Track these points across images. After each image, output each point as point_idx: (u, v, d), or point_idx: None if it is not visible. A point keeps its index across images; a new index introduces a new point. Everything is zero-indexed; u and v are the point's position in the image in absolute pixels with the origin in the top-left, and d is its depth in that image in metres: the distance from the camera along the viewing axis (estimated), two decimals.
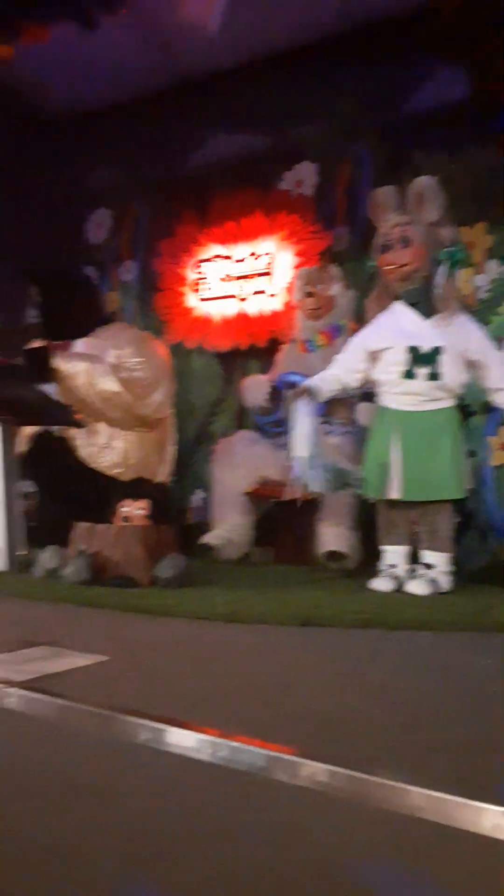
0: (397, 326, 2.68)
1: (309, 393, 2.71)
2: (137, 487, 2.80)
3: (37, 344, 3.25)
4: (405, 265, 2.66)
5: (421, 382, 2.62)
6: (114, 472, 3.22)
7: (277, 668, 1.52)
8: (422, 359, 2.61)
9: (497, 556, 3.26)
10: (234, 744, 1.02)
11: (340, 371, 2.80)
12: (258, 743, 1.02)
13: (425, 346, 2.60)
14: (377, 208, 2.77)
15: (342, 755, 0.99)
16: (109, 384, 3.15)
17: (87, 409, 3.18)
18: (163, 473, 3.44)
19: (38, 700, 1.18)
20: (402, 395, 2.66)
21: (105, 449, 3.22)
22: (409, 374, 2.63)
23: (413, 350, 2.62)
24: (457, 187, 3.25)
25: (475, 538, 3.38)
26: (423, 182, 2.66)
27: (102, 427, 3.23)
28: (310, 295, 3.51)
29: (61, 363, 3.06)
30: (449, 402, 2.66)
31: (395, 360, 2.64)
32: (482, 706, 1.27)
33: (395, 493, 2.62)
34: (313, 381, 2.78)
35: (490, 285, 3.48)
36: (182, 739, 1.06)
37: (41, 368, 3.06)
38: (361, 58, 4.00)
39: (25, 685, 1.23)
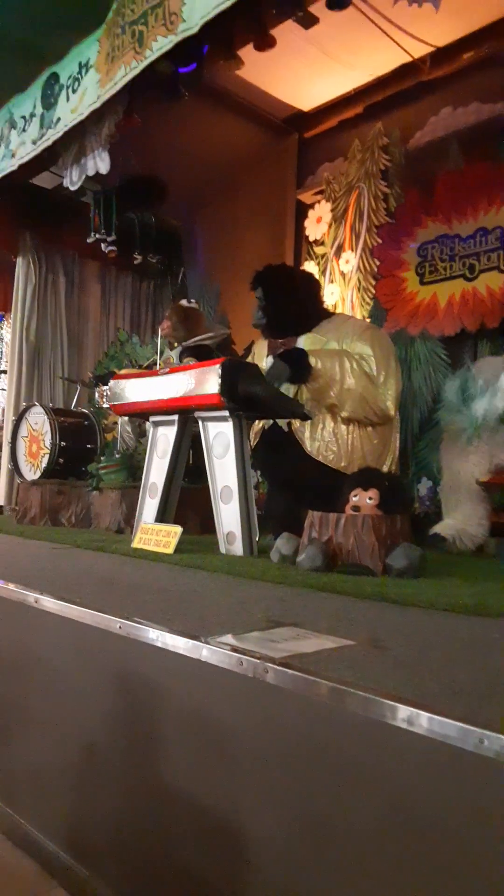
0: None
1: None
2: (366, 476, 2.77)
3: (290, 345, 3.35)
4: None
5: None
6: (340, 465, 3.24)
7: None
8: None
9: None
10: (497, 735, 0.96)
11: None
12: None
13: None
14: None
15: None
16: (360, 380, 3.16)
17: (328, 404, 3.21)
18: (390, 462, 3.38)
19: (295, 677, 1.22)
20: None
21: (330, 442, 3.24)
22: None
23: None
24: None
25: None
26: None
27: (328, 420, 3.26)
28: None
29: (315, 362, 3.12)
30: None
31: None
32: None
33: None
34: None
35: None
36: (442, 727, 1.02)
37: (300, 369, 3.14)
38: None
39: (281, 662, 1.27)
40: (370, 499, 2.63)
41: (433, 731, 1.04)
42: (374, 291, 4.58)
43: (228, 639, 1.47)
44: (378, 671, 1.27)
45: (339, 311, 4.89)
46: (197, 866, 1.35)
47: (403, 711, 1.08)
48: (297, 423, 3.31)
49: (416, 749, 1.05)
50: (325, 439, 3.27)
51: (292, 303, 3.44)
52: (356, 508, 2.63)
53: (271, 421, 3.38)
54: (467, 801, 0.99)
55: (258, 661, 1.29)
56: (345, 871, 1.11)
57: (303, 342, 3.34)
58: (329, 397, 3.17)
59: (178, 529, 3.01)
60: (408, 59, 4.52)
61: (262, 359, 3.49)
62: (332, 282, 4.96)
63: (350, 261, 4.86)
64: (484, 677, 1.28)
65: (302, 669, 1.24)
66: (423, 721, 1.05)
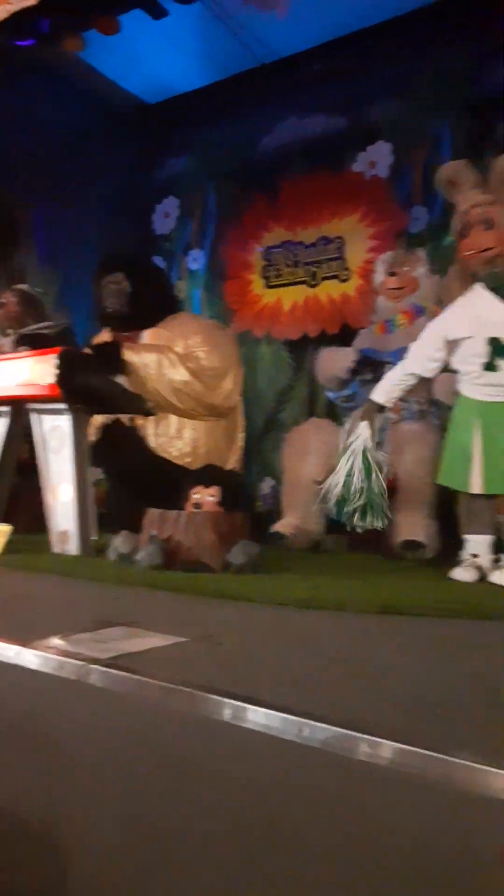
0: (477, 314, 2.54)
1: (374, 409, 2.62)
2: (208, 474, 2.77)
3: (105, 338, 3.25)
4: (487, 249, 2.51)
5: (500, 374, 2.48)
6: (184, 461, 3.21)
7: (362, 654, 1.44)
8: (502, 350, 2.47)
9: None
10: (319, 724, 0.96)
11: (415, 363, 2.68)
12: (343, 724, 0.96)
13: None
14: (449, 185, 2.63)
15: (435, 738, 0.92)
16: (179, 374, 3.12)
17: (157, 400, 3.17)
18: (233, 461, 3.40)
19: (120, 677, 1.15)
20: (484, 386, 2.53)
21: (174, 438, 3.20)
22: (490, 367, 2.50)
23: (494, 341, 2.48)
24: None
25: None
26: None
27: (172, 417, 3.22)
28: (392, 274, 3.38)
29: (132, 356, 3.05)
30: None
31: (475, 352, 2.51)
32: None
33: (476, 488, 2.52)
34: (378, 394, 2.66)
35: None
36: (264, 718, 1.01)
37: (111, 362, 3.05)
38: (439, 32, 3.85)
39: (107, 663, 1.20)
40: (211, 496, 2.61)
41: (258, 723, 1.02)
42: (221, 291, 4.61)
43: (53, 641, 1.38)
44: (208, 667, 1.24)
45: (186, 309, 4.87)
46: (20, 882, 1.24)
47: (229, 706, 1.05)
48: (139, 419, 3.23)
49: (244, 742, 1.03)
50: (168, 435, 3.23)
51: (152, 293, 3.36)
52: (197, 506, 2.60)
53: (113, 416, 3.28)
54: (295, 790, 0.98)
55: (82, 663, 1.21)
56: (180, 872, 1.06)
57: (147, 337, 3.27)
58: (148, 391, 3.12)
59: (7, 529, 2.81)
60: (256, 62, 4.59)
61: None
62: (180, 279, 4.93)
63: (198, 259, 4.85)
64: (311, 669, 1.29)
65: (128, 669, 1.18)
66: (248, 714, 1.03)
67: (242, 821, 0.99)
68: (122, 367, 3.08)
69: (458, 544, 2.63)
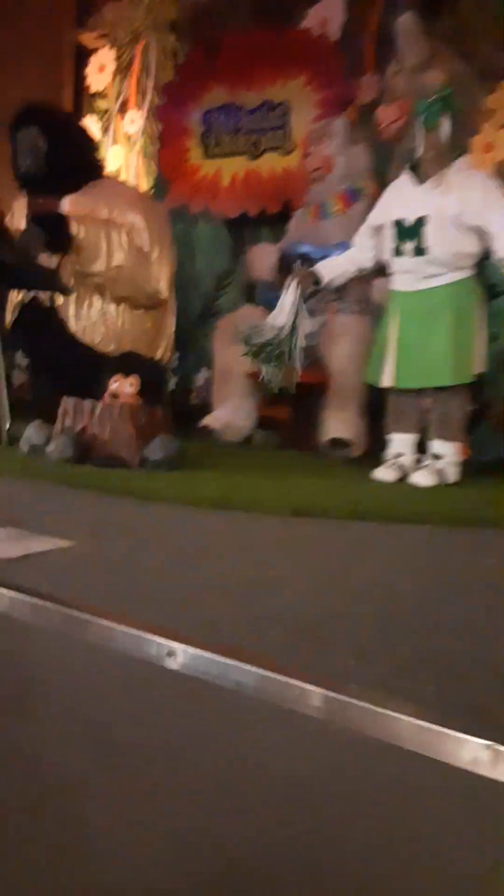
0: (394, 196, 2.43)
1: (312, 279, 2.52)
2: (130, 363, 2.60)
3: (46, 207, 2.89)
4: (392, 121, 2.31)
5: (408, 259, 2.37)
6: (108, 348, 3.01)
7: (257, 563, 1.39)
8: (406, 232, 2.35)
9: None
10: (190, 649, 0.90)
11: (355, 251, 2.60)
12: (219, 649, 0.90)
13: (410, 218, 2.33)
14: (406, 39, 2.37)
15: (310, 666, 0.87)
16: (121, 255, 2.86)
17: (93, 281, 2.90)
18: (161, 350, 3.23)
19: None
20: (399, 274, 2.45)
21: (97, 323, 2.99)
22: (397, 251, 2.39)
23: (398, 224, 2.36)
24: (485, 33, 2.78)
25: (489, 429, 3.20)
26: (402, 20, 2.22)
27: (96, 299, 2.99)
28: (306, 155, 3.13)
29: (79, 230, 2.75)
30: (452, 277, 2.38)
31: (388, 237, 2.41)
32: (476, 613, 1.15)
33: (387, 381, 2.46)
34: (321, 267, 2.58)
35: None
36: (133, 641, 0.94)
37: (59, 237, 2.76)
38: None
39: None
40: (130, 385, 2.48)
41: (120, 643, 0.96)
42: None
43: None
44: (80, 577, 1.17)
45: (122, 177, 4.47)
46: None
47: (95, 624, 0.98)
48: (60, 299, 2.99)
49: (106, 662, 0.97)
50: (91, 319, 3.01)
51: (70, 152, 3.01)
52: (114, 396, 2.46)
53: (31, 294, 3.03)
54: (148, 713, 0.93)
55: None
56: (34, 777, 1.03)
57: (67, 204, 2.95)
58: (93, 272, 2.88)
59: None
60: None
61: (22, 220, 3.05)
62: (115, 143, 4.49)
63: (136, 121, 4.39)
64: (197, 580, 1.23)
65: None
66: (114, 634, 0.97)
67: (99, 740, 0.95)
68: (68, 243, 2.79)
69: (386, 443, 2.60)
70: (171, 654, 0.91)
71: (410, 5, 2.89)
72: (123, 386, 2.47)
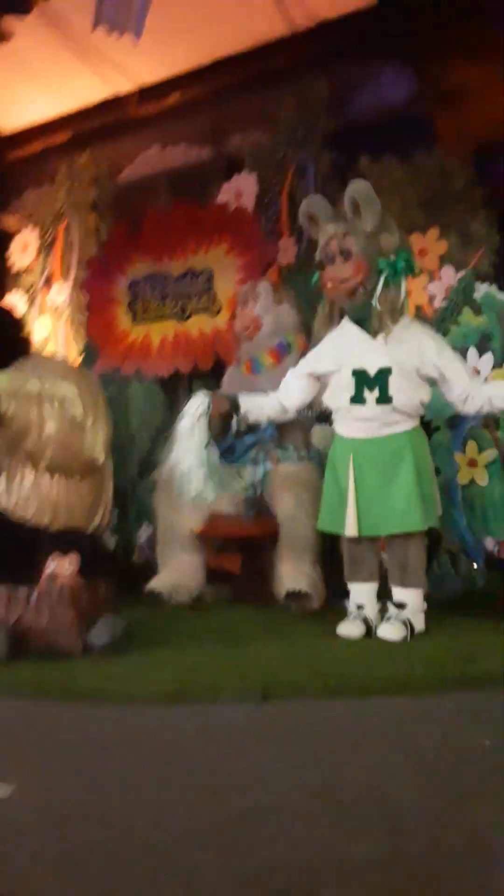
0: (342, 347, 2.45)
1: (227, 403, 2.56)
2: (67, 539, 2.44)
3: None
4: (346, 280, 2.40)
5: (371, 407, 2.38)
6: (43, 520, 2.83)
7: (228, 790, 1.18)
8: (369, 382, 2.38)
9: (469, 581, 3.02)
10: None
11: (282, 393, 2.63)
12: None
13: (372, 368, 2.37)
14: (309, 220, 2.51)
15: None
16: (52, 425, 2.78)
17: (25, 453, 2.79)
18: (99, 516, 3.07)
19: None
20: (354, 421, 2.43)
21: (30, 498, 2.83)
22: (357, 399, 2.40)
23: (359, 373, 2.39)
24: (406, 192, 3.03)
25: (445, 563, 3.13)
26: (357, 187, 2.38)
27: (27, 473, 2.85)
28: (233, 317, 3.24)
29: (9, 405, 2.68)
30: (408, 425, 2.41)
31: (342, 385, 2.42)
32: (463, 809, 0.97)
33: (350, 530, 2.37)
34: (242, 397, 2.61)
35: (446, 293, 3.24)
36: None
37: None
38: (302, 63, 3.82)
39: None
40: (70, 564, 2.30)
41: None
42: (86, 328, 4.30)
43: None
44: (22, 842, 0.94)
45: (51, 346, 4.51)
46: None
47: None
48: None
49: None
50: (22, 493, 2.85)
51: None
52: (52, 578, 2.27)
53: None
54: None
55: None
56: None
57: None
58: (25, 446, 2.77)
59: None
60: (116, 91, 4.38)
61: None
62: (42, 313, 4.57)
63: (62, 292, 4.51)
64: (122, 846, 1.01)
65: None
66: None
67: None
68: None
69: (346, 591, 2.47)
70: None
71: (322, 179, 3.15)
72: (62, 566, 2.29)
